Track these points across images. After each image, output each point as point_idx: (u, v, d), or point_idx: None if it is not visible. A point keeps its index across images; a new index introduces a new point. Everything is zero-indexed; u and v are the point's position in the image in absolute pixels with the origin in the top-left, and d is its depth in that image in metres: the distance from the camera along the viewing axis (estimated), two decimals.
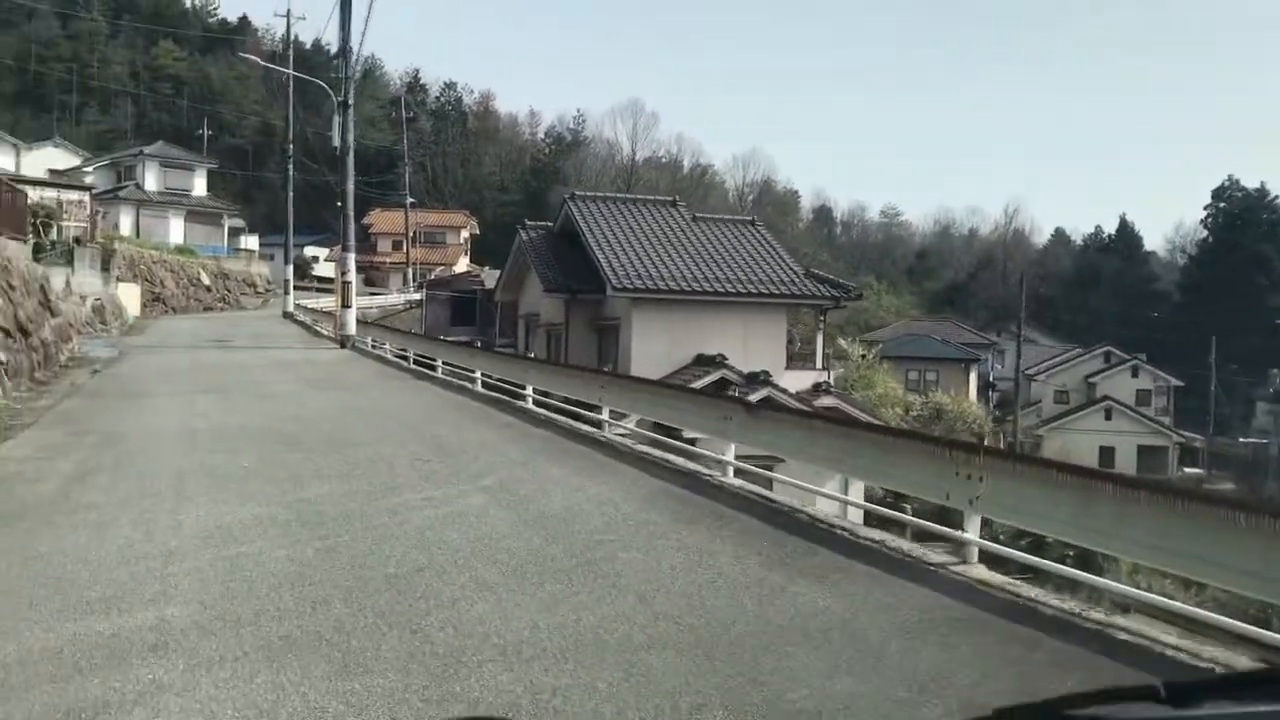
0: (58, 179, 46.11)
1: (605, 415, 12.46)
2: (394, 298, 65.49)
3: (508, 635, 5.12)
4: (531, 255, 31.11)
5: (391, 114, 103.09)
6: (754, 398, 25.66)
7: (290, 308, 46.53)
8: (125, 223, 60.33)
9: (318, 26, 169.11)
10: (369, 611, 5.47)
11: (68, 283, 32.42)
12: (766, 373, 26.41)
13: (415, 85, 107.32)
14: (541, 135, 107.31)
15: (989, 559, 6.81)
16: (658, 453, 10.76)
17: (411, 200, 72.90)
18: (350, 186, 28.06)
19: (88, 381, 18.83)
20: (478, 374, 18.15)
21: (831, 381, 29.77)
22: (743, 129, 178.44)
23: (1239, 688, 1.44)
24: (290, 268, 47.99)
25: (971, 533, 6.62)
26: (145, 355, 24.72)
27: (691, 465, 10.16)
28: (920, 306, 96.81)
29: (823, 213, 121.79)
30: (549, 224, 33.43)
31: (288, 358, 24.70)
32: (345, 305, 28.04)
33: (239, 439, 11.80)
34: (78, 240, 35.80)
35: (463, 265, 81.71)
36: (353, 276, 28.30)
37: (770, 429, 8.99)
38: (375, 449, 11.15)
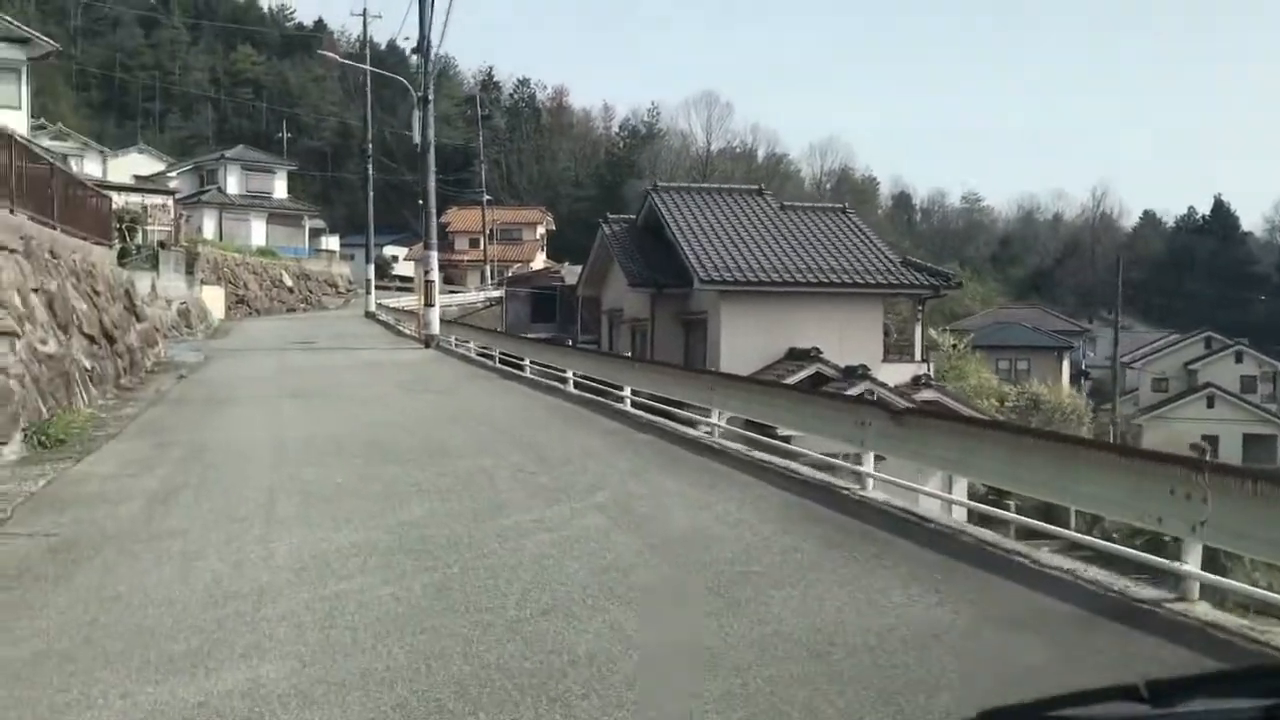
0: (142, 184, 46.48)
1: (716, 419, 11.54)
2: (472, 295, 65.30)
3: (666, 708, 4.25)
4: (615, 249, 30.29)
5: (466, 112, 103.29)
6: (853, 391, 24.62)
7: (372, 307, 46.38)
8: (208, 226, 60.97)
9: (392, 28, 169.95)
10: (494, 670, 4.62)
11: (153, 286, 32.43)
12: (864, 366, 25.29)
13: (489, 83, 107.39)
14: (616, 129, 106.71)
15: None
16: (781, 461, 9.81)
17: (488, 198, 72.68)
18: (431, 184, 27.51)
19: (173, 387, 18.44)
20: (570, 374, 17.36)
21: (932, 374, 28.48)
22: (820, 117, 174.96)
23: (1222, 685, 1.42)
24: (371, 267, 47.87)
25: (1192, 564, 5.56)
26: (230, 359, 24.42)
27: (820, 476, 9.19)
28: (1006, 293, 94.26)
29: (902, 200, 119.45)
30: (632, 217, 32.58)
31: (374, 359, 24.20)
32: (429, 304, 27.51)
33: (330, 450, 11.12)
34: (162, 244, 35.90)
35: (539, 261, 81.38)
36: (436, 275, 27.77)
37: (918, 438, 7.98)
38: (474, 460, 10.37)
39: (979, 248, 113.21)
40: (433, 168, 27.47)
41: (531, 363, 20.15)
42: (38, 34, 31.62)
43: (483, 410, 14.76)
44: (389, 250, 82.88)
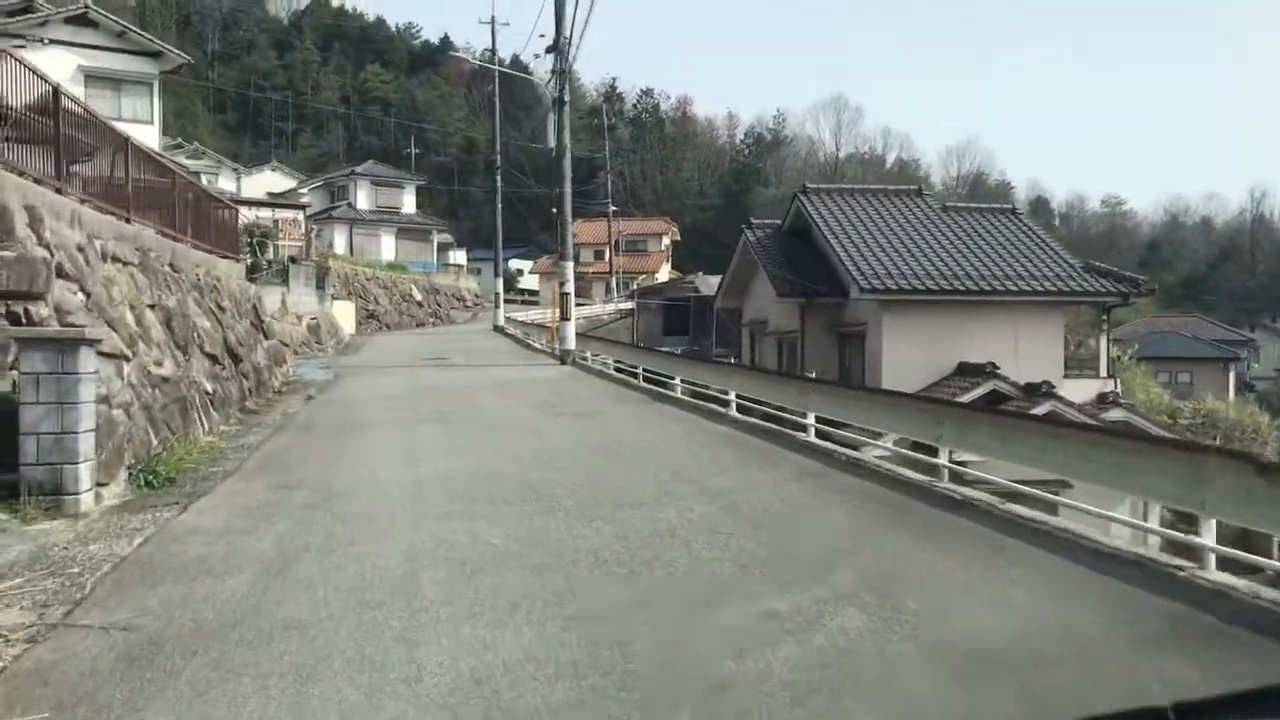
0: (274, 199, 46.18)
1: (945, 459, 9.25)
2: (599, 308, 63.84)
3: None
4: (760, 257, 28.10)
5: (592, 122, 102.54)
6: (1038, 411, 21.92)
7: (500, 321, 45.13)
8: (339, 241, 60.93)
9: (516, 44, 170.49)
10: None
11: (283, 302, 31.54)
12: (1048, 384, 22.58)
13: (612, 95, 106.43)
14: (740, 137, 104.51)
15: None
16: (1061, 523, 7.49)
17: (614, 208, 71.24)
18: (567, 190, 25.81)
19: (300, 410, 16.96)
20: (732, 396, 15.27)
21: (1119, 391, 25.50)
22: (955, 120, 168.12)
23: (1251, 704, 1.31)
24: (500, 281, 46.66)
25: None
26: (361, 377, 23.04)
27: (1133, 549, 6.85)
28: (1156, 302, 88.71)
29: (1039, 204, 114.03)
30: (776, 222, 30.34)
31: (508, 376, 22.52)
32: (564, 318, 25.79)
33: (476, 494, 9.23)
34: (293, 259, 35.12)
35: (664, 273, 79.66)
36: (571, 288, 26.01)
37: None
38: (652, 511, 8.32)
39: (1121, 253, 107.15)
40: (568, 174, 25.76)
41: (683, 381, 18.13)
42: (169, 47, 31.09)
43: (641, 440, 12.73)
44: (514, 264, 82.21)
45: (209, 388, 14.83)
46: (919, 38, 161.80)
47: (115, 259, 12.68)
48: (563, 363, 25.51)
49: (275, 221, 40.67)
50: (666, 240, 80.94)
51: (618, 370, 23.22)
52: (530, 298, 78.25)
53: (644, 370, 20.99)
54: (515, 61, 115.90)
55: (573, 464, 10.82)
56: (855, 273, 24.02)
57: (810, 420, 12.76)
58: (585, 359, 25.81)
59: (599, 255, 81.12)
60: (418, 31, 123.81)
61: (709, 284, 40.84)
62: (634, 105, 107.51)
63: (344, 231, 62.55)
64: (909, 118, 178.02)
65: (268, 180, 66.65)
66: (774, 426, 13.50)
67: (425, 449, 12.13)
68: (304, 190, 67.53)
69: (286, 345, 31.33)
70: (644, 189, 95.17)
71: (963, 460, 10.35)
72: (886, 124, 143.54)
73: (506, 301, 75.76)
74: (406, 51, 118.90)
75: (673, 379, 18.45)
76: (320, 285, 36.43)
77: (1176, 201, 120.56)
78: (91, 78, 30.33)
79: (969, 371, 23.72)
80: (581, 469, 10.50)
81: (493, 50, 44.66)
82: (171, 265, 15.53)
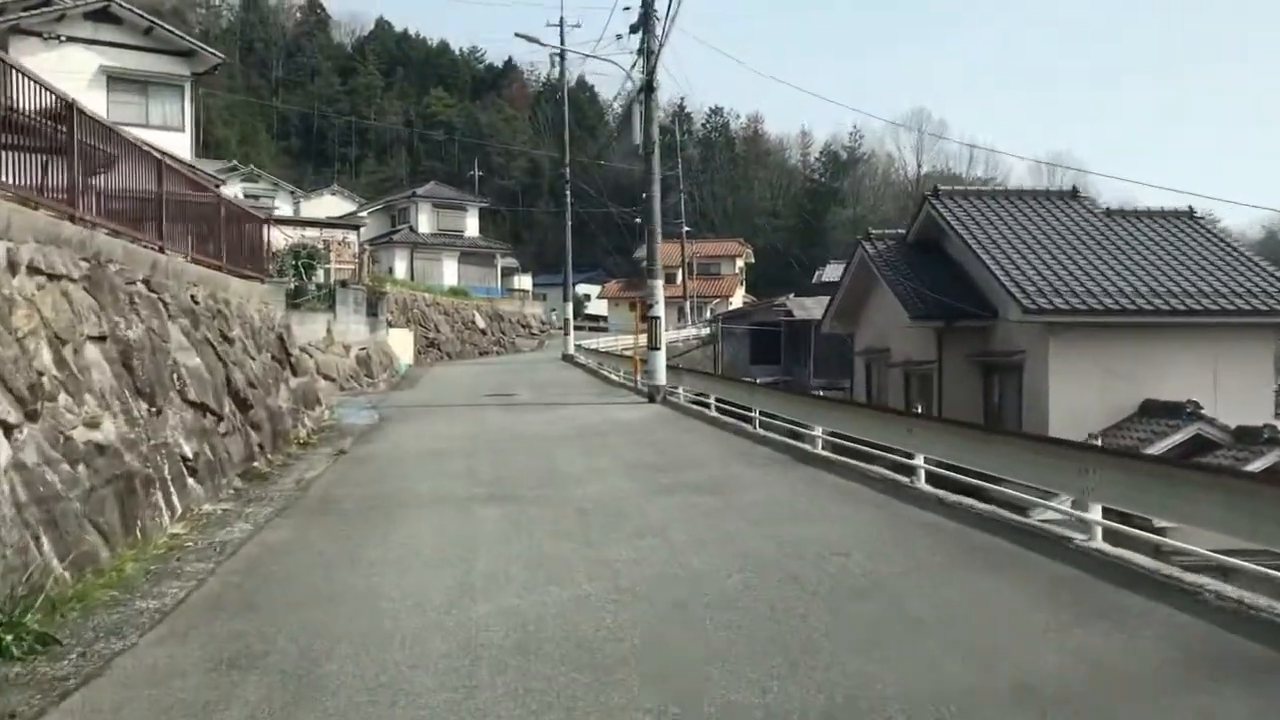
0: (328, 220, 42.47)
1: None
2: (671, 334, 59.49)
3: None
4: (882, 273, 23.50)
5: (663, 140, 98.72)
6: (1259, 465, 17.06)
7: (570, 349, 40.90)
8: (400, 266, 57.45)
9: (581, 67, 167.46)
10: None
11: (329, 330, 27.60)
12: (1272, 427, 17.68)
13: (680, 114, 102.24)
14: (815, 155, 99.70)
15: None
16: None
17: (686, 228, 66.96)
18: (655, 193, 21.53)
19: (323, 474, 12.70)
20: (919, 460, 10.69)
21: None
22: (1044, 133, 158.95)
23: None
24: (570, 306, 42.50)
25: None
26: (412, 421, 18.81)
27: None
28: None
29: None
30: (899, 231, 25.69)
31: (589, 420, 18.12)
32: (653, 346, 21.37)
33: (571, 671, 4.84)
34: (343, 283, 31.23)
35: (738, 296, 75.15)
36: (661, 311, 21.60)
37: None
38: None
39: None
40: (657, 174, 21.48)
41: (827, 432, 13.58)
42: (201, 45, 27.46)
43: (825, 545, 8.06)
44: (581, 288, 78.09)
45: (189, 450, 10.60)
46: (1007, 48, 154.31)
47: (37, 270, 8.52)
48: (651, 400, 21.10)
49: (326, 242, 36.92)
50: (740, 263, 76.44)
51: (724, 411, 18.77)
52: (598, 324, 74.20)
53: (761, 413, 16.45)
54: (580, 81, 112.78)
55: (734, 613, 6.27)
56: (1015, 290, 19.31)
57: (1063, 504, 8.20)
58: (676, 395, 21.39)
59: (670, 278, 76.75)
60: (481, 55, 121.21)
61: (803, 307, 36.27)
62: (703, 125, 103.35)
63: (405, 256, 59.06)
64: (996, 131, 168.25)
65: (328, 204, 63.47)
66: (986, 506, 8.94)
67: (485, 563, 7.69)
68: (363, 213, 64.17)
69: (332, 379, 27.37)
70: (714, 210, 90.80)
71: None
72: (972, 138, 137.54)
73: (574, 328, 72.06)
74: (470, 75, 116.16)
75: (809, 429, 13.90)
76: (373, 312, 32.48)
77: (1274, 219, 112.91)
78: (115, 79, 26.75)
79: (1157, 411, 18.89)
80: (758, 627, 5.95)
81: (560, 56, 40.69)
82: (147, 283, 11.38)
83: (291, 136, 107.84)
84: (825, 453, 13.26)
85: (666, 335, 56.50)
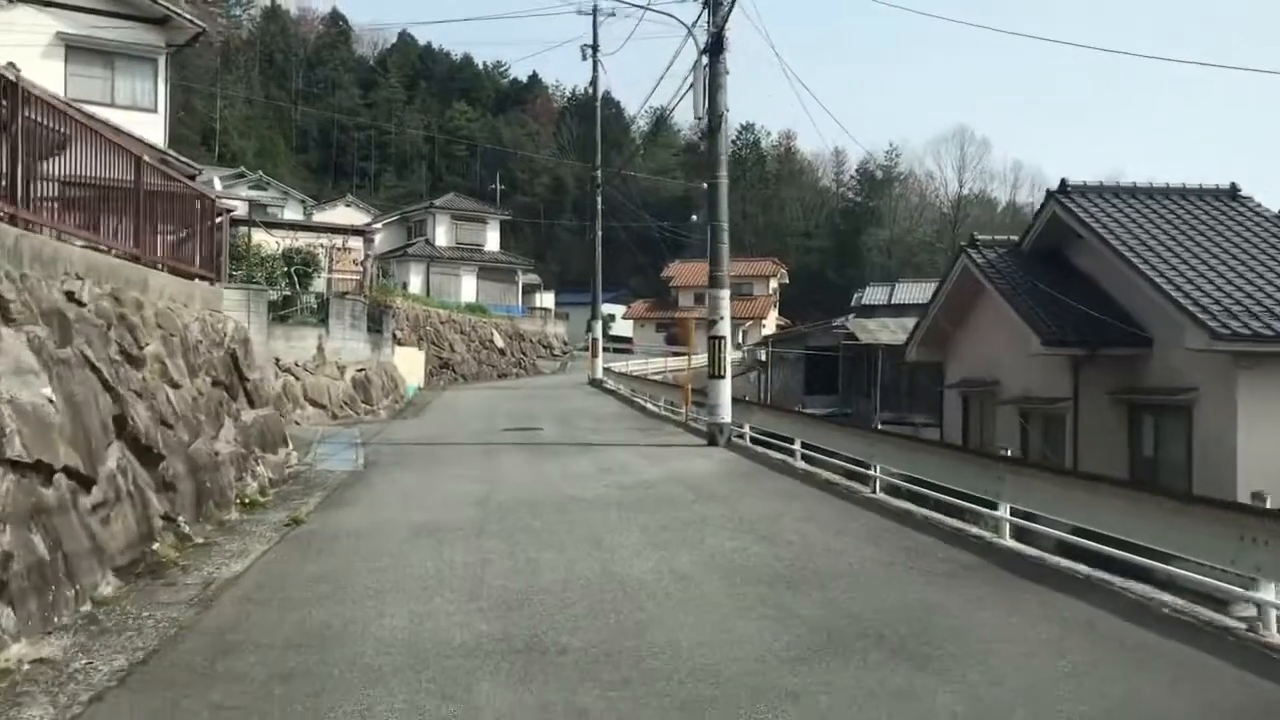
0: (330, 224, 37.97)
1: None
2: (702, 358, 54.93)
3: None
4: (999, 286, 18.80)
5: (688, 159, 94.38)
6: None
7: (598, 373, 36.28)
8: (415, 281, 53.10)
9: (607, 81, 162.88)
10: None
11: (319, 348, 23.09)
12: None
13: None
14: (851, 173, 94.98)
15: None
16: None
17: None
18: (724, 179, 17.00)
19: (248, 572, 8.05)
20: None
21: None
22: (1100, 151, 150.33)
23: None
24: (599, 325, 37.83)
25: None
26: (405, 471, 14.17)
27: None
28: None
29: None
30: (1008, 238, 20.95)
31: (641, 472, 13.45)
32: (716, 374, 16.68)
33: None
34: (341, 294, 26.77)
35: (772, 318, 70.47)
36: (727, 329, 16.94)
37: None
38: None
39: None
40: (724, 154, 16.92)
41: (1016, 514, 8.90)
42: (178, 10, 23.10)
43: None
44: (605, 308, 73.36)
45: (14, 548, 6.02)
46: (1057, 64, 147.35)
47: None
48: (712, 442, 16.44)
49: (329, 249, 32.54)
50: (774, 283, 71.80)
51: (808, 459, 14.12)
52: (623, 346, 69.59)
53: (881, 470, 11.74)
54: (606, 97, 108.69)
55: None
56: (1195, 309, 14.61)
57: None
58: (744, 436, 16.75)
59: (699, 299, 72.20)
60: (506, 70, 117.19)
61: (866, 329, 31.59)
62: (734, 141, 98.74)
63: (420, 270, 54.70)
64: (1043, 150, 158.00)
65: (342, 215, 59.23)
66: None
67: None
68: (378, 225, 59.99)
69: (321, 406, 22.85)
70: (745, 229, 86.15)
71: None
72: (1018, 157, 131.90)
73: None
74: (494, 90, 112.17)
75: (992, 506, 9.18)
76: (376, 327, 28.00)
77: None
78: (75, 49, 22.40)
79: None
80: None
81: (593, 44, 36.32)
82: None
83: (310, 150, 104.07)
84: (1010, 543, 8.60)
85: (700, 359, 51.88)
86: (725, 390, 16.61)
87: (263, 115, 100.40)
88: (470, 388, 37.44)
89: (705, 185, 17.09)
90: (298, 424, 21.92)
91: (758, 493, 11.84)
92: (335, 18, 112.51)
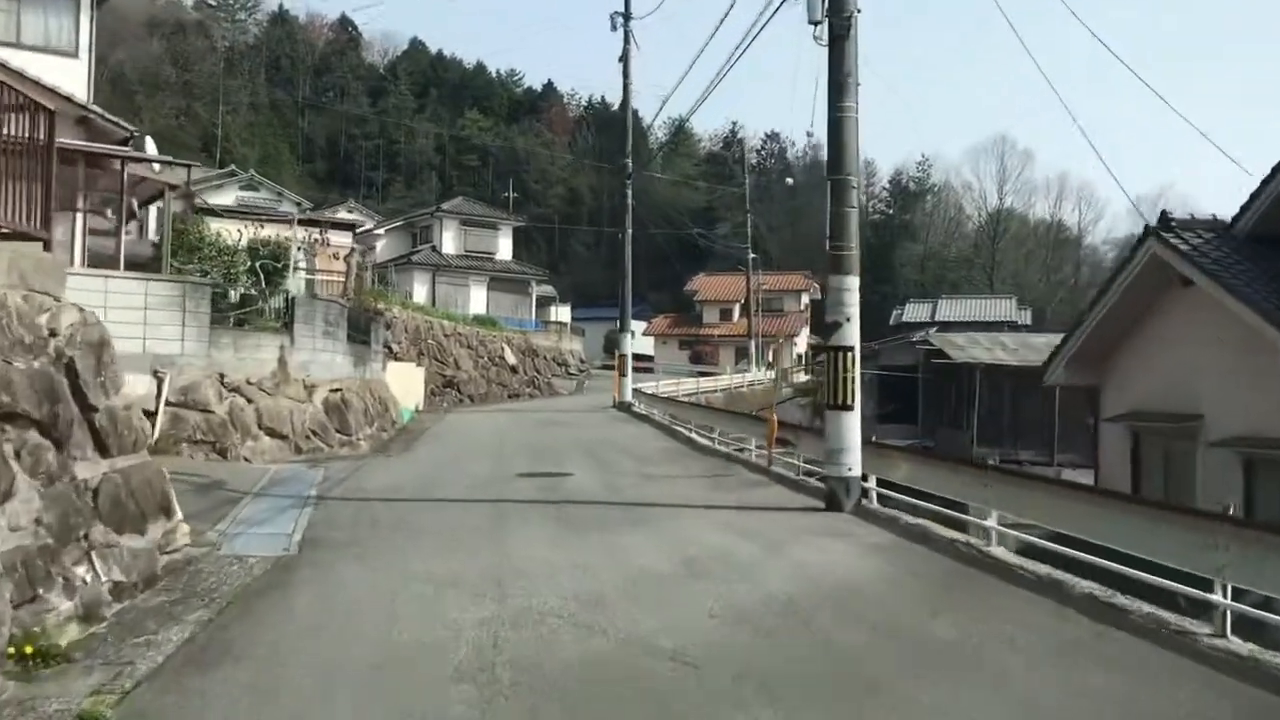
0: (309, 214, 32.40)
1: None
2: (733, 378, 49.22)
3: None
4: (1221, 280, 13.14)
5: (709, 170, 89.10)
6: None
7: (627, 395, 30.71)
8: (420, 291, 47.64)
9: (618, 92, 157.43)
10: None
11: (281, 362, 17.54)
12: None
13: (732, 139, 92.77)
14: (883, 185, 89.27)
15: None
16: None
17: (753, 256, 56.91)
18: (851, 110, 11.30)
19: None
20: None
21: None
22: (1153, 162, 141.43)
23: None
24: (629, 339, 32.24)
25: None
26: (355, 563, 8.45)
27: None
28: None
29: None
30: (1215, 219, 15.21)
31: (757, 576, 7.63)
32: (841, 404, 10.96)
33: None
34: (313, 295, 21.31)
35: (804, 336, 64.82)
36: (855, 334, 11.24)
37: None
38: None
39: None
40: (854, 70, 11.30)
41: None
42: None
43: None
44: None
45: None
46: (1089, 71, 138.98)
47: None
48: (833, 504, 10.82)
49: (309, 242, 27.11)
50: (806, 299, 66.18)
51: (1045, 549, 8.55)
52: (644, 364, 63.96)
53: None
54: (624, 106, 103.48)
55: None
56: None
57: None
58: (868, 490, 11.13)
59: (725, 315, 66.67)
60: (520, 78, 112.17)
61: (955, 345, 25.91)
62: (758, 150, 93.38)
63: (425, 279, 49.25)
64: (1089, 161, 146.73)
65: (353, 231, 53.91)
66: None
67: None
68: (380, 230, 54.72)
69: (281, 437, 17.29)
70: (771, 242, 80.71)
71: None
72: (1066, 168, 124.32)
73: (607, 368, 61.68)
74: (507, 98, 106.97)
75: None
76: (362, 338, 22.54)
77: None
78: None
79: None
80: None
81: (626, 12, 31.02)
82: None
83: (317, 159, 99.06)
84: None
85: (728, 379, 46.01)
86: (853, 429, 10.96)
87: (267, 122, 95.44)
88: (477, 410, 31.88)
89: (827, 118, 11.40)
90: (247, 460, 16.43)
91: (1014, 643, 6.18)
92: (344, 24, 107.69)
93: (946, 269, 78.65)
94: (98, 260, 17.81)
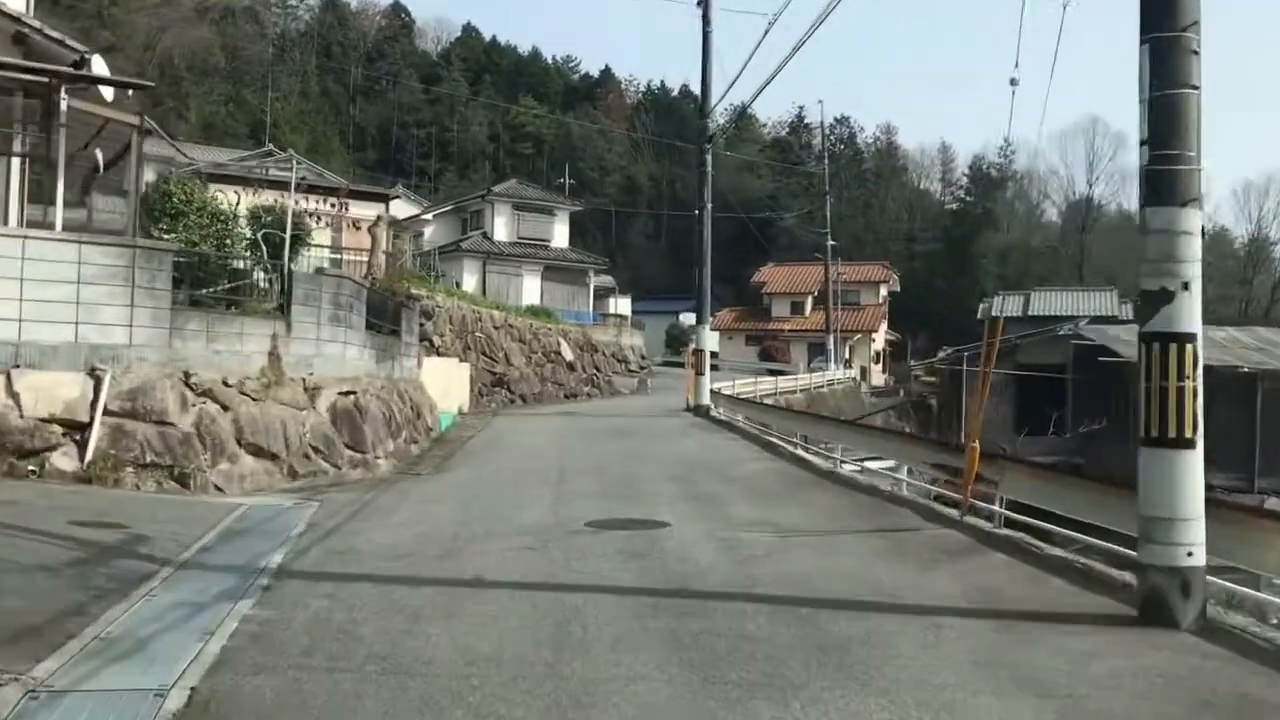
0: (327, 183, 27.84)
1: None
2: (812, 377, 44.21)
3: None
4: None
5: (772, 157, 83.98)
6: None
7: (704, 398, 25.99)
8: (469, 280, 43.29)
9: (685, 75, 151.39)
10: None
11: (273, 355, 12.96)
12: None
13: (799, 125, 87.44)
14: (962, 171, 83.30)
15: None
16: None
17: (832, 243, 51.83)
18: None
19: None
20: None
21: None
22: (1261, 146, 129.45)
23: None
24: (706, 332, 27.47)
25: None
26: None
27: None
28: None
29: None
30: None
31: None
32: (1174, 441, 6.21)
33: None
34: (319, 269, 16.85)
35: (882, 332, 59.62)
36: (1195, 318, 6.45)
37: None
38: None
39: None
40: None
41: None
42: None
43: None
44: (685, 318, 62.81)
45: None
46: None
47: None
48: (1155, 614, 6.06)
49: (338, 219, 22.79)
50: (884, 291, 60.95)
51: None
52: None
53: None
54: (685, 91, 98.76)
55: None
56: None
57: None
58: (1183, 577, 6.38)
59: (795, 308, 61.60)
60: (576, 64, 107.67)
61: (1124, 342, 20.71)
62: (827, 135, 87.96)
63: (475, 268, 44.84)
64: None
65: (391, 207, 49.81)
66: None
67: None
68: (428, 216, 50.55)
69: (272, 457, 12.80)
70: (839, 232, 75.43)
71: None
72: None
73: (670, 364, 56.94)
74: (563, 84, 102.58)
75: None
76: (389, 328, 18.09)
77: None
78: None
79: None
80: None
81: None
82: None
83: (368, 148, 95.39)
84: None
85: (806, 378, 40.90)
86: (1193, 483, 6.10)
87: (317, 110, 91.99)
88: (531, 413, 27.35)
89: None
90: (219, 490, 12.05)
91: None
92: (397, 9, 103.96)
93: (1029, 261, 72.85)
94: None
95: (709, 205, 26.35)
